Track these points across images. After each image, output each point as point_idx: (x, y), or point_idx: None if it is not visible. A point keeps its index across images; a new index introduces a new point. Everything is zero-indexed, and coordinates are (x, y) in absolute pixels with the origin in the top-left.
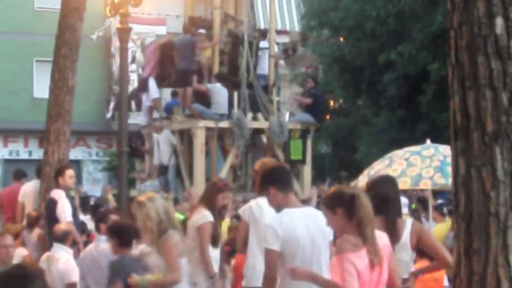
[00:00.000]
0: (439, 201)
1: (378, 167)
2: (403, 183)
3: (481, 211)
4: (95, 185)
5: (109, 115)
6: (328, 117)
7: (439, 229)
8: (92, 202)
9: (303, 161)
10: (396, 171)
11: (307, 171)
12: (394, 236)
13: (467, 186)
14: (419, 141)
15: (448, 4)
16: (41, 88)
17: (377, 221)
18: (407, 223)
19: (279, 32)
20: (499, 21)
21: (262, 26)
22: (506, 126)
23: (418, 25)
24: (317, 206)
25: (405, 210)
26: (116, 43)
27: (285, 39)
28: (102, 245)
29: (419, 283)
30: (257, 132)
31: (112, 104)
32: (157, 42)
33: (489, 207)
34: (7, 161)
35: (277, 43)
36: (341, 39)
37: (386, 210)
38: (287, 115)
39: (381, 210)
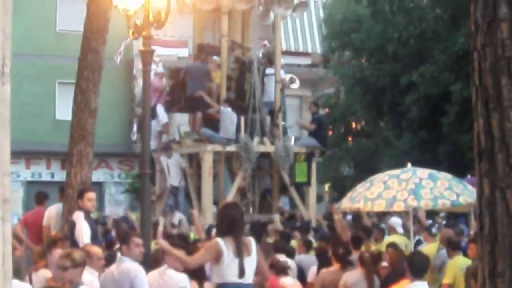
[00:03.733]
0: (429, 221)
1: (360, 190)
2: (378, 205)
3: (505, 233)
4: (117, 206)
5: (134, 137)
6: (350, 138)
7: (428, 250)
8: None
9: (308, 183)
10: (373, 194)
11: (312, 193)
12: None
13: (492, 208)
14: (441, 162)
15: (471, 25)
16: (63, 110)
17: (228, 240)
18: (252, 241)
19: (300, 54)
20: None
21: (284, 47)
22: None
23: (440, 46)
24: (317, 229)
25: (400, 230)
26: (138, 65)
27: (307, 60)
28: (123, 265)
29: None
30: (264, 155)
31: (135, 127)
32: (161, 72)
33: None
34: (29, 183)
35: (298, 65)
36: (363, 60)
37: (234, 230)
38: (292, 139)
39: (230, 230)
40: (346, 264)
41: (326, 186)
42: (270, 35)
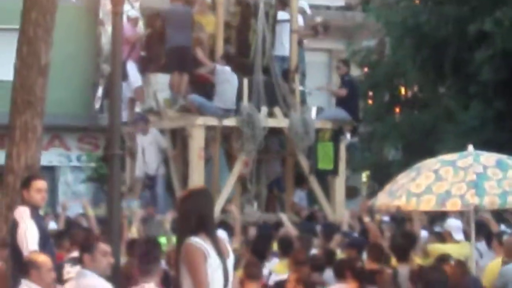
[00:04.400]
0: (502, 227)
1: (402, 181)
2: (426, 203)
3: None
4: (75, 200)
5: (96, 105)
6: (398, 110)
7: (492, 267)
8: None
9: (334, 172)
10: (419, 187)
11: (339, 184)
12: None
13: None
14: None
15: None
16: (2, 67)
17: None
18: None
19: None
20: None
21: None
22: None
23: None
24: (347, 234)
25: (459, 235)
26: (105, 5)
27: (339, 1)
28: (84, 282)
29: None
30: (274, 132)
31: (100, 90)
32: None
33: None
34: None
35: (328, 7)
36: (417, 1)
37: (205, 226)
38: (314, 110)
39: (201, 226)
40: (365, 282)
41: (364, 176)
42: None
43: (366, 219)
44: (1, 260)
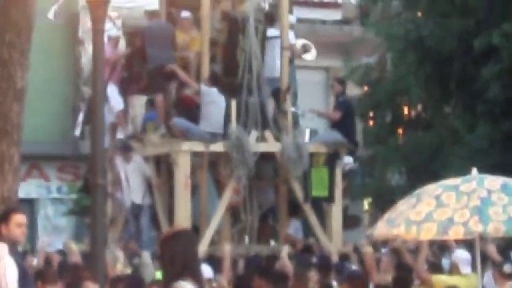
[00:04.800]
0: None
1: (402, 208)
2: (427, 231)
3: None
4: (56, 235)
5: (77, 131)
6: (400, 131)
7: None
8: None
9: (330, 199)
10: (419, 214)
11: (336, 212)
12: None
13: None
14: None
15: None
16: None
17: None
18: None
19: (327, 5)
20: None
21: None
22: None
23: None
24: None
25: (466, 269)
26: (85, 23)
27: (336, 15)
28: None
29: None
30: (265, 157)
31: (81, 115)
32: (116, 35)
33: None
34: None
35: (323, 22)
36: (419, 14)
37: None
38: (307, 133)
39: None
40: None
41: (366, 203)
42: None
43: (366, 249)
44: None
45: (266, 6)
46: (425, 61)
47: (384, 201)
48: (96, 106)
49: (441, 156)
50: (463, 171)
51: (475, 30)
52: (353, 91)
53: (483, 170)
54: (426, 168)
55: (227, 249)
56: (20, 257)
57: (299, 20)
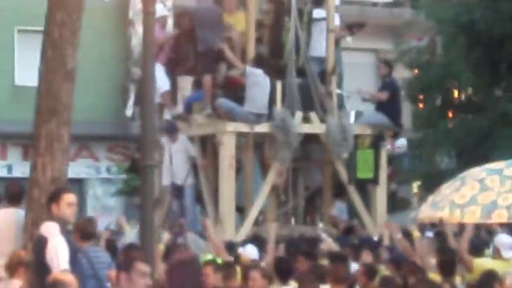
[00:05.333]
0: None
1: (446, 192)
2: (471, 214)
3: None
4: (105, 215)
5: (128, 112)
6: (451, 114)
7: None
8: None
9: (374, 181)
10: (463, 197)
11: (381, 194)
12: None
13: None
14: None
15: None
16: (26, 72)
17: None
18: None
19: None
20: None
21: None
22: None
23: None
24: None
25: (509, 254)
26: (136, 4)
27: None
28: None
29: None
30: (310, 139)
31: (132, 96)
32: (162, 17)
33: None
34: None
35: (374, 4)
36: None
37: None
38: (352, 114)
39: None
40: None
41: (415, 186)
42: None
43: (396, 235)
44: (23, 280)
45: None
46: (475, 44)
47: (433, 185)
48: (146, 88)
49: (491, 139)
50: None
51: None
52: (403, 73)
53: None
54: (476, 152)
55: (272, 229)
56: (70, 236)
57: (350, 2)
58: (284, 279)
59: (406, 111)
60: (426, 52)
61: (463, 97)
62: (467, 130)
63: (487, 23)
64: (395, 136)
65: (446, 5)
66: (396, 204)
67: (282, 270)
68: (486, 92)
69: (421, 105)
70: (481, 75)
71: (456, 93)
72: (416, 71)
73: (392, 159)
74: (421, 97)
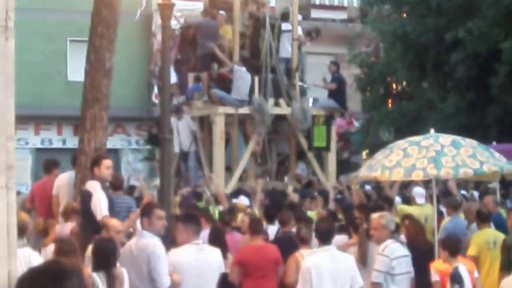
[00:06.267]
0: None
1: (378, 157)
2: (396, 174)
3: None
4: (134, 175)
5: (157, 101)
6: (390, 101)
7: (443, 224)
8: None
9: (327, 148)
10: (391, 162)
11: (331, 159)
12: None
13: None
14: (490, 127)
15: None
16: (76, 71)
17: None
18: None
19: (335, 8)
20: None
21: (317, 1)
22: None
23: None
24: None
25: (421, 200)
26: (157, 20)
27: (342, 15)
28: (143, 241)
29: (446, 275)
30: (280, 118)
31: (156, 88)
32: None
33: None
34: (39, 150)
35: (333, 20)
36: (404, 15)
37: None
38: (310, 100)
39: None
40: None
41: (364, 153)
42: None
43: (353, 187)
44: (75, 223)
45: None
46: (408, 50)
47: (376, 152)
48: (164, 80)
49: (420, 119)
50: (437, 131)
51: (446, 27)
52: (355, 71)
53: (451, 131)
54: (409, 129)
55: (259, 183)
56: (107, 191)
57: (315, 19)
58: (270, 220)
59: (358, 98)
60: (372, 55)
61: (399, 88)
62: (402, 113)
63: (417, 34)
64: (342, 115)
65: (386, 21)
66: (350, 167)
67: (269, 214)
68: (416, 85)
69: (368, 94)
70: (413, 72)
71: (394, 85)
72: (364, 69)
73: (347, 134)
74: (368, 88)
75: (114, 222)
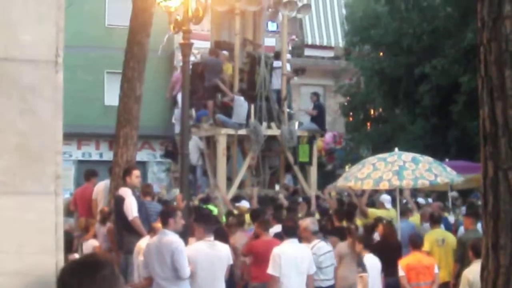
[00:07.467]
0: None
1: (353, 170)
2: (367, 184)
3: (507, 210)
4: (159, 184)
5: (174, 121)
6: (368, 124)
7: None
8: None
9: (309, 163)
10: (363, 174)
11: (313, 171)
12: None
13: (495, 188)
14: (451, 146)
15: (478, 22)
16: (111, 97)
17: None
18: None
19: (324, 48)
20: None
21: (310, 42)
22: None
23: (450, 41)
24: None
25: (388, 206)
26: (178, 56)
27: (330, 53)
28: (167, 238)
29: (411, 271)
30: (272, 138)
31: (175, 113)
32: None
33: None
34: (80, 162)
35: (322, 57)
36: (381, 54)
37: None
38: (296, 124)
39: None
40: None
41: (347, 167)
42: (297, 30)
43: (332, 194)
44: (111, 222)
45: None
46: (384, 82)
47: None
48: (184, 107)
49: (393, 139)
50: (407, 148)
51: (415, 63)
52: (340, 99)
53: (419, 150)
54: (384, 147)
55: (255, 191)
56: (138, 197)
57: (307, 56)
58: (255, 219)
59: (342, 122)
60: (354, 87)
61: (376, 113)
62: (378, 134)
63: (391, 70)
64: (321, 136)
65: (366, 58)
66: (335, 178)
67: (255, 216)
68: (390, 111)
69: (351, 118)
70: (387, 101)
71: (372, 111)
72: (348, 98)
73: (332, 150)
74: (351, 113)
75: (158, 225)
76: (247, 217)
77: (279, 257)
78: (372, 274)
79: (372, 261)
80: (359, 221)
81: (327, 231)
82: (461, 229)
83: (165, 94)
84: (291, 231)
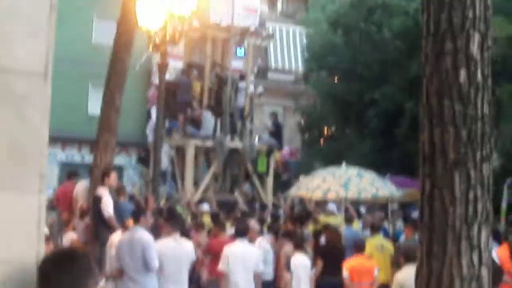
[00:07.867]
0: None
1: (305, 181)
2: (316, 194)
3: (441, 223)
4: (133, 186)
5: (149, 131)
6: (322, 141)
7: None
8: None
9: (267, 173)
10: (313, 185)
11: (269, 181)
12: None
13: (431, 203)
14: (394, 165)
15: (423, 57)
16: (95, 107)
17: None
18: None
19: (286, 72)
20: (462, 73)
21: (273, 66)
22: (464, 156)
23: (398, 71)
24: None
25: (335, 213)
26: (156, 72)
27: (291, 77)
28: (137, 234)
29: (354, 272)
30: (234, 150)
31: (150, 122)
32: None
33: (447, 220)
34: (63, 163)
35: (284, 81)
36: (336, 79)
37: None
38: (256, 138)
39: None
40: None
41: (300, 178)
42: (263, 55)
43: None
44: (87, 220)
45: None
46: (337, 104)
47: None
48: (159, 118)
49: (343, 156)
50: (355, 165)
51: (365, 89)
52: (298, 118)
53: (366, 166)
54: (335, 162)
55: (213, 198)
56: (114, 196)
57: (271, 79)
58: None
59: (299, 138)
60: (311, 107)
61: (329, 132)
62: (330, 150)
63: (344, 94)
64: (279, 149)
65: (323, 83)
66: (288, 187)
67: (216, 219)
68: (342, 131)
69: (307, 135)
70: (339, 121)
71: (326, 130)
72: (305, 117)
73: (288, 163)
74: (307, 131)
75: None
76: (206, 218)
77: (228, 255)
78: (299, 272)
79: (300, 260)
80: (311, 227)
81: (282, 234)
82: (402, 238)
83: (143, 105)
84: (241, 232)
